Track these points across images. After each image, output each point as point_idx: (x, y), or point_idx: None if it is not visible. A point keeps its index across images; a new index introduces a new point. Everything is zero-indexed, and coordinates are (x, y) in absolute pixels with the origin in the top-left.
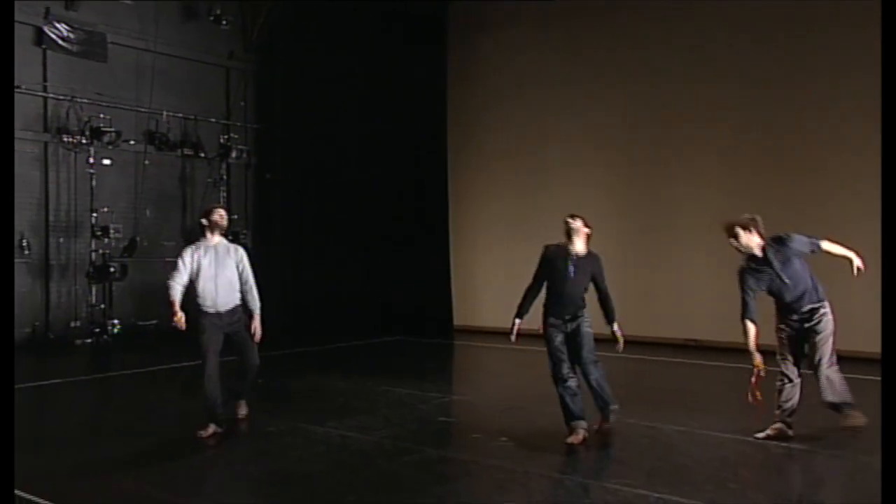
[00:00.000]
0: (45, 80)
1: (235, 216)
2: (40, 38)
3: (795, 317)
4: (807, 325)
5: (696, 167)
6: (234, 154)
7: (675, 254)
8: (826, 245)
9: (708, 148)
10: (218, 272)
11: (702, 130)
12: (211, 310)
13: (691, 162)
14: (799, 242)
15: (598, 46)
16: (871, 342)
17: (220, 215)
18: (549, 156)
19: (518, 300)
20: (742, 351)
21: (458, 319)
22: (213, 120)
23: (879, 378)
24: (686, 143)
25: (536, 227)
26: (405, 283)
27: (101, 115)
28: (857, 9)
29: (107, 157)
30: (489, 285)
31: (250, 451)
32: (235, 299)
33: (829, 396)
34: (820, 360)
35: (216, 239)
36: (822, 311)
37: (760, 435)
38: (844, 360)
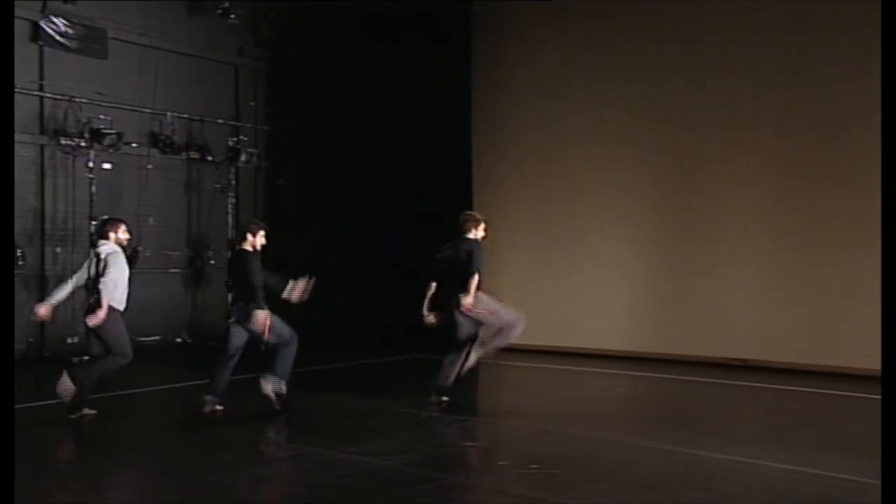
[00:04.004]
0: (41, 78)
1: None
2: (37, 33)
3: None
4: None
5: (736, 173)
6: (243, 158)
7: (716, 265)
8: None
9: (749, 153)
10: None
11: (742, 134)
12: None
13: (731, 167)
14: None
15: (628, 45)
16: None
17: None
18: (577, 160)
19: (548, 314)
20: (792, 372)
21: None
22: (220, 121)
23: (879, 396)
24: (726, 148)
25: (563, 236)
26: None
27: (102, 116)
28: None
29: (107, 161)
30: (515, 298)
31: (263, 477)
32: None
33: None
34: None
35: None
36: None
37: None
38: (843, 377)
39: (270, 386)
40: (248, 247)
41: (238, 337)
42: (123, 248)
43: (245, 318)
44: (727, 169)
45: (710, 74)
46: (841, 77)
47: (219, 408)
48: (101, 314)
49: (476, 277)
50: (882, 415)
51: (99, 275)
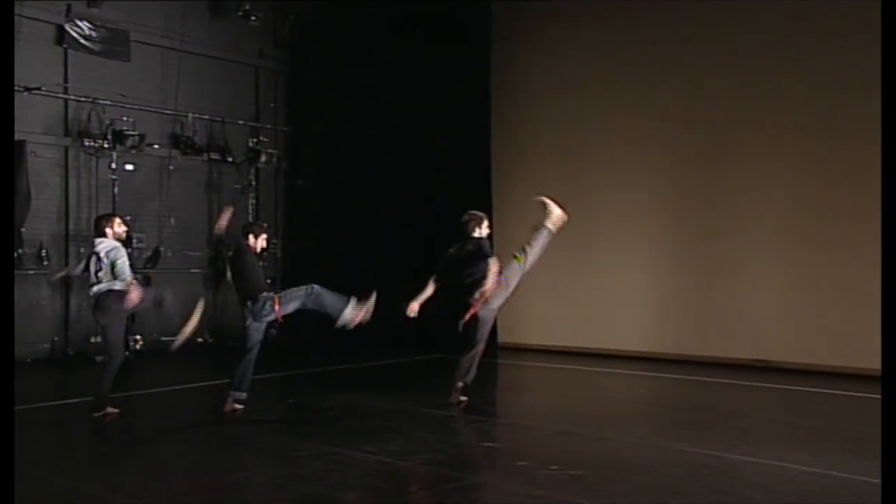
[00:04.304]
0: (65, 80)
1: (265, 224)
2: (61, 36)
3: None
4: None
5: (758, 173)
6: (263, 158)
7: (738, 265)
8: None
9: (772, 153)
10: None
11: (764, 134)
12: None
13: (754, 167)
14: None
15: (649, 44)
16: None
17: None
18: (597, 160)
19: (568, 314)
20: (818, 374)
21: (503, 336)
22: (241, 122)
23: (879, 396)
24: (748, 147)
25: (584, 237)
26: (445, 297)
27: (124, 118)
28: None
29: (130, 162)
30: (537, 299)
31: (281, 476)
32: None
33: None
34: None
35: None
36: None
37: None
38: (870, 379)
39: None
40: (250, 247)
41: (255, 333)
42: (123, 241)
43: (258, 313)
44: (749, 169)
45: (733, 74)
46: (865, 77)
47: (238, 406)
48: (135, 294)
49: (495, 264)
50: (882, 415)
51: (99, 271)
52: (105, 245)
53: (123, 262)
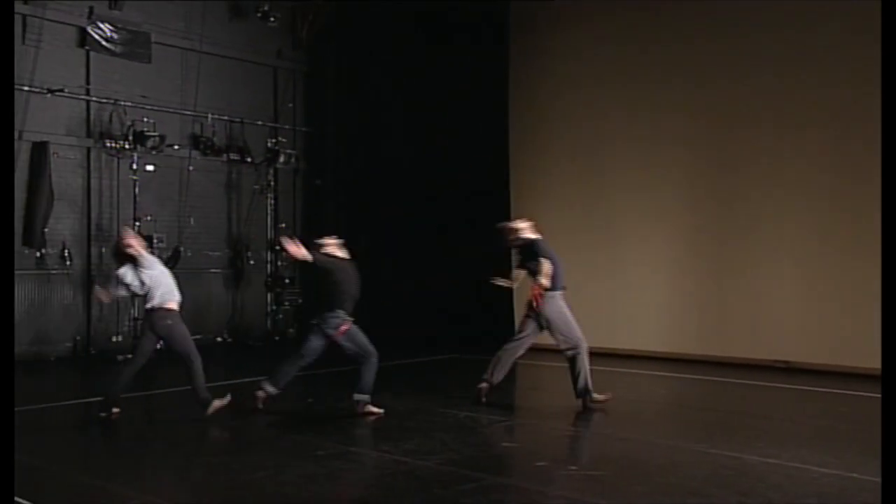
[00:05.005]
0: (87, 82)
1: (283, 224)
2: (83, 39)
3: None
4: None
5: (780, 173)
6: (281, 159)
7: (759, 265)
8: None
9: (793, 152)
10: None
11: (786, 133)
12: None
13: (775, 167)
14: None
15: (668, 43)
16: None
17: None
18: (616, 159)
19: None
20: (839, 375)
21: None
22: (260, 123)
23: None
24: (768, 148)
25: (602, 236)
26: (463, 296)
27: (145, 119)
28: None
29: (150, 163)
30: None
31: (300, 476)
32: None
33: None
34: None
35: None
36: None
37: None
38: (865, 378)
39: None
40: (340, 259)
41: (316, 341)
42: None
43: (327, 325)
44: (770, 168)
45: (753, 73)
46: None
47: (262, 394)
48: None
49: (546, 263)
50: (882, 415)
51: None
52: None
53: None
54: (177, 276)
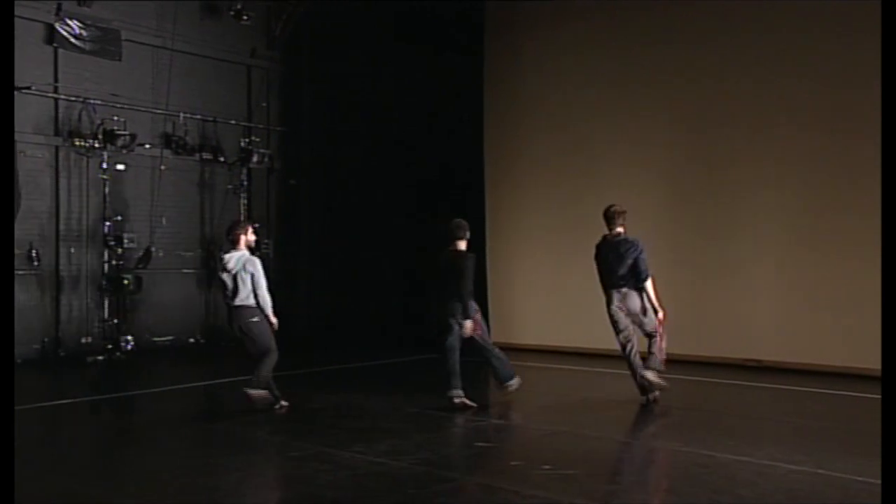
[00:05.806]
0: (56, 80)
1: (257, 225)
2: (51, 36)
3: None
4: None
5: (759, 174)
6: (255, 158)
7: (736, 266)
8: None
9: (774, 154)
10: None
11: (767, 135)
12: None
13: (754, 168)
14: None
15: (645, 45)
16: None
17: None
18: (594, 160)
19: (563, 315)
20: (810, 373)
21: (496, 336)
22: (233, 122)
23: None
24: (749, 148)
25: (579, 238)
26: (438, 298)
27: (115, 118)
28: None
29: (121, 162)
30: (530, 300)
31: (273, 477)
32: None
33: None
34: None
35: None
36: None
37: None
38: (866, 379)
39: None
40: (464, 250)
41: (455, 333)
42: (251, 249)
43: (467, 314)
44: (749, 169)
45: (734, 74)
46: (871, 76)
47: (465, 401)
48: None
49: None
50: (882, 416)
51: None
52: (236, 257)
53: (260, 279)
54: (149, 276)
